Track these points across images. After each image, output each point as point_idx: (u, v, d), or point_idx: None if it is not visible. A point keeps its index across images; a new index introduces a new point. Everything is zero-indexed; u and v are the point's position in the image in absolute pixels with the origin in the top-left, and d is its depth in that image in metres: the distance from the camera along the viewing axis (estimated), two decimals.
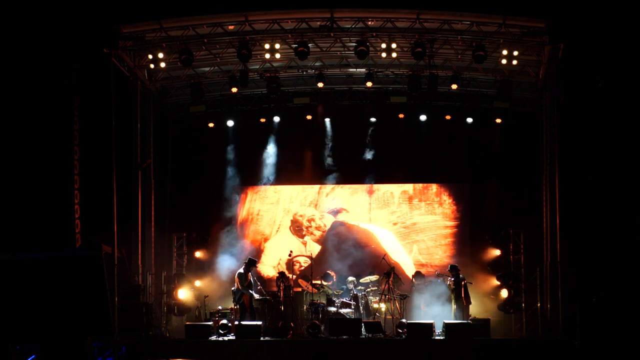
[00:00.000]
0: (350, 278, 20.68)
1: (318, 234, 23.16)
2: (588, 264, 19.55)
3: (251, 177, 23.62)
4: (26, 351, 16.64)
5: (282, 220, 23.44)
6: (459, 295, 19.35)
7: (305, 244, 22.96)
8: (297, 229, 23.27)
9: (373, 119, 23.11)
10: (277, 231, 23.43)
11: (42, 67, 19.00)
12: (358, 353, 17.41)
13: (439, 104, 22.92)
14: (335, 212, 23.35)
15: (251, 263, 20.00)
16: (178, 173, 23.35)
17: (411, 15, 19.03)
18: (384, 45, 19.62)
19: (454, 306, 19.47)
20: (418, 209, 23.23)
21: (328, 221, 23.26)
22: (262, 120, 23.29)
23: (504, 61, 19.55)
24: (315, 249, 22.92)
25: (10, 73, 19.06)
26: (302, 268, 22.29)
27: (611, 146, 19.61)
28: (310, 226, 23.22)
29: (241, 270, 19.79)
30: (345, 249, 22.60)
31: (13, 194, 18.96)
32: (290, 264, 21.13)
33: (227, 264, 21.49)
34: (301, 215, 23.33)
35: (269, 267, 22.90)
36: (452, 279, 19.64)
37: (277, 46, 19.56)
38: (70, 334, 16.08)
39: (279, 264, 22.79)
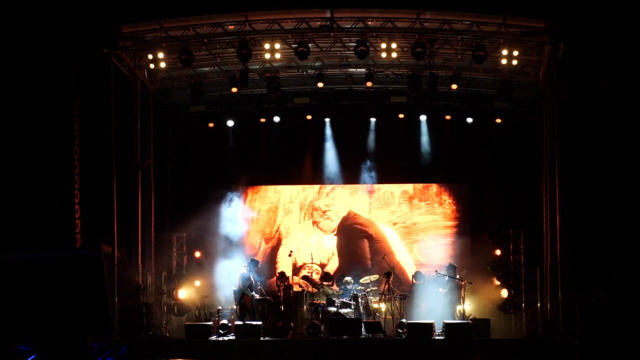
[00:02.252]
0: (347, 278, 20.65)
1: (331, 223, 23.18)
2: (588, 264, 19.56)
3: (251, 177, 23.62)
4: (26, 351, 16.65)
5: (282, 220, 23.46)
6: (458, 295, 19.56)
7: (323, 233, 23.12)
8: (315, 220, 23.34)
9: (373, 119, 23.11)
10: (276, 231, 23.43)
11: (42, 67, 19.00)
12: (358, 353, 17.40)
13: (439, 104, 22.91)
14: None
15: (254, 263, 20.02)
16: (178, 173, 23.35)
17: (411, 15, 19.02)
18: (384, 45, 19.62)
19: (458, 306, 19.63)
20: (418, 209, 23.24)
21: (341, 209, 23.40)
22: (262, 120, 23.29)
23: (504, 61, 19.53)
24: (329, 242, 23.02)
25: (10, 73, 19.06)
26: (310, 273, 22.13)
27: (611, 146, 19.62)
28: (326, 212, 23.26)
29: (244, 270, 19.80)
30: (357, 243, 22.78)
31: (13, 194, 18.97)
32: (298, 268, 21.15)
33: (227, 264, 21.46)
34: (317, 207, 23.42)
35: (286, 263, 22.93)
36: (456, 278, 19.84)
37: (277, 46, 19.55)
38: (70, 334, 16.09)
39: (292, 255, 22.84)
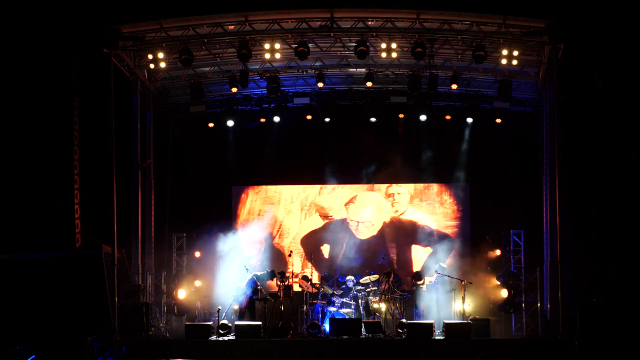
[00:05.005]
0: (349, 277, 20.69)
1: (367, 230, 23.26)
2: (588, 264, 19.56)
3: (251, 177, 23.63)
4: (26, 351, 16.64)
5: (283, 220, 23.48)
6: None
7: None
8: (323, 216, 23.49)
9: (373, 119, 23.08)
10: (277, 231, 23.46)
11: (42, 67, 19.01)
12: (358, 353, 17.41)
13: (439, 104, 22.90)
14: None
15: (271, 274, 19.97)
16: (178, 173, 23.35)
17: (411, 15, 19.02)
18: (384, 45, 19.60)
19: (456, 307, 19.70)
20: (419, 209, 23.24)
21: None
22: (262, 120, 23.27)
23: (504, 61, 19.52)
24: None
25: (10, 73, 19.07)
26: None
27: (611, 146, 19.63)
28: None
29: (251, 276, 19.79)
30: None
31: (13, 194, 18.97)
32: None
33: (227, 264, 21.45)
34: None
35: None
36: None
37: (277, 46, 19.54)
38: (70, 334, 16.07)
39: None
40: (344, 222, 23.32)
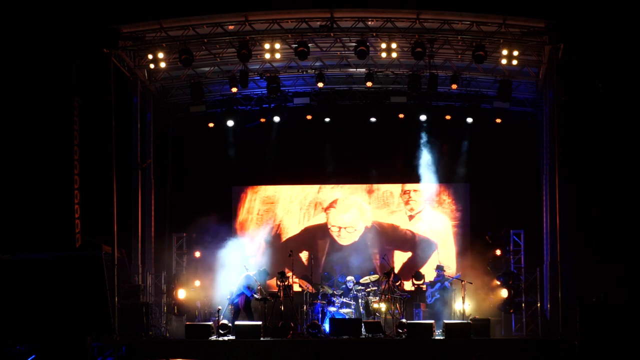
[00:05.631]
0: (349, 277, 20.69)
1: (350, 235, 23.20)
2: (588, 264, 19.57)
3: (251, 177, 23.64)
4: (26, 351, 16.65)
5: (282, 220, 23.47)
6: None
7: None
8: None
9: (373, 119, 23.07)
10: (277, 231, 23.44)
11: (42, 67, 19.01)
12: (358, 353, 17.40)
13: (439, 104, 22.89)
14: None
15: (264, 273, 19.94)
16: (178, 173, 23.36)
17: (411, 15, 19.02)
18: (384, 45, 19.60)
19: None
20: (437, 209, 23.20)
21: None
22: (262, 120, 23.27)
23: (504, 61, 19.52)
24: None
25: (10, 73, 19.08)
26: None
27: (611, 146, 19.64)
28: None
29: (249, 274, 19.73)
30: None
31: (13, 194, 18.98)
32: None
33: (227, 264, 21.45)
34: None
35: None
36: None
37: (277, 46, 19.54)
38: (70, 334, 16.09)
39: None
40: (324, 227, 23.31)
